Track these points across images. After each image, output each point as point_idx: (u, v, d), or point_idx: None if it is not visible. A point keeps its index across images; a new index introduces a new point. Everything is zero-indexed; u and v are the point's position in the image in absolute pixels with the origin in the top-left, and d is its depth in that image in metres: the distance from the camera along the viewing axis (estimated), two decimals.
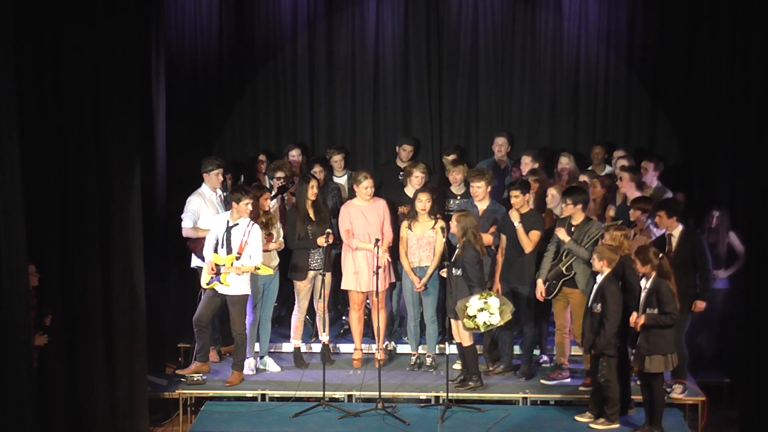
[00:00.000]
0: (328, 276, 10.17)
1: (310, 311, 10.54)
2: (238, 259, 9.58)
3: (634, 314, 8.69)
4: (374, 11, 12.01)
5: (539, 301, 9.84)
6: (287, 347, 10.61)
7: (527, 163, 10.96)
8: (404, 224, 10.15)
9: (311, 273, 10.22)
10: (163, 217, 10.48)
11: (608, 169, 11.33)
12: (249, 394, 9.73)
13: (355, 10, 12.02)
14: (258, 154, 11.65)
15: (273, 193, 10.43)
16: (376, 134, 12.27)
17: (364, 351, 10.47)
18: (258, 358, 10.22)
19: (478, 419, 9.23)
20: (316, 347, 10.58)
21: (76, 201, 8.49)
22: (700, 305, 9.39)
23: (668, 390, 9.38)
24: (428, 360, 10.26)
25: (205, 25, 11.93)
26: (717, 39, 10.93)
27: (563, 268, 9.58)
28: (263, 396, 9.70)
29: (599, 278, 8.91)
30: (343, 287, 10.35)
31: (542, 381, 9.88)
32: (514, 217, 9.77)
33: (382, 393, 9.45)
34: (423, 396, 9.67)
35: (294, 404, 9.51)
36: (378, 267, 9.65)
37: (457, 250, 9.62)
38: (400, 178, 11.05)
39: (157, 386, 9.89)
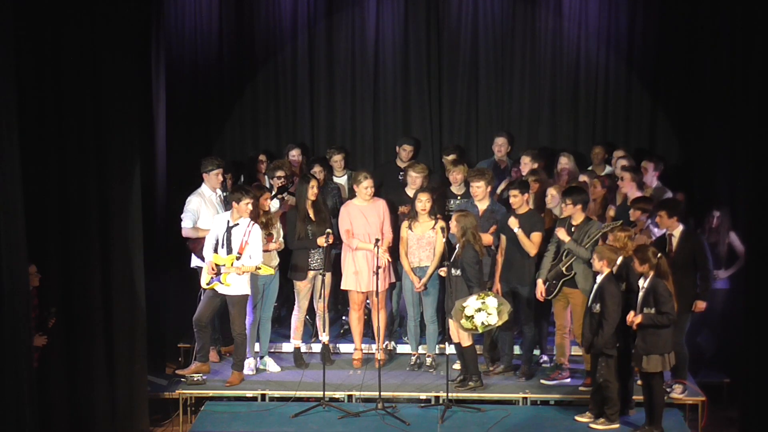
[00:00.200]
0: (328, 276, 10.17)
1: (310, 311, 10.54)
2: (238, 259, 9.58)
3: (631, 313, 8.69)
4: (374, 11, 12.01)
5: (539, 301, 9.83)
6: (287, 347, 10.61)
7: (527, 163, 10.96)
8: (404, 224, 10.15)
9: (311, 273, 10.22)
10: (163, 217, 10.48)
11: (608, 169, 11.33)
12: (249, 394, 9.73)
13: (355, 10, 12.02)
14: (258, 154, 11.65)
15: (273, 193, 10.43)
16: (376, 134, 12.27)
17: (364, 351, 10.47)
18: (258, 358, 10.22)
19: (478, 419, 9.23)
20: (316, 347, 10.58)
21: (76, 201, 8.49)
22: (701, 305, 9.39)
23: (668, 390, 9.38)
24: (428, 360, 10.26)
25: (205, 25, 11.93)
26: (717, 39, 10.93)
27: (563, 268, 9.58)
28: (263, 396, 9.70)
29: (599, 278, 8.91)
30: (343, 287, 10.34)
31: (542, 381, 9.88)
32: (513, 223, 9.75)
33: (382, 393, 9.45)
34: (423, 396, 9.67)
35: (294, 404, 9.51)
36: (378, 267, 9.65)
37: (456, 250, 9.62)
38: (400, 178, 11.05)
39: (157, 386, 9.89)
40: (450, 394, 9.46)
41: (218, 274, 9.62)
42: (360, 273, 10.14)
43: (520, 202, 9.84)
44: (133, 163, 9.01)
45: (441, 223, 9.91)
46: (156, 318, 10.03)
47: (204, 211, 10.11)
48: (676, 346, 9.11)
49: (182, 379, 9.82)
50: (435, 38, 12.03)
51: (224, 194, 10.38)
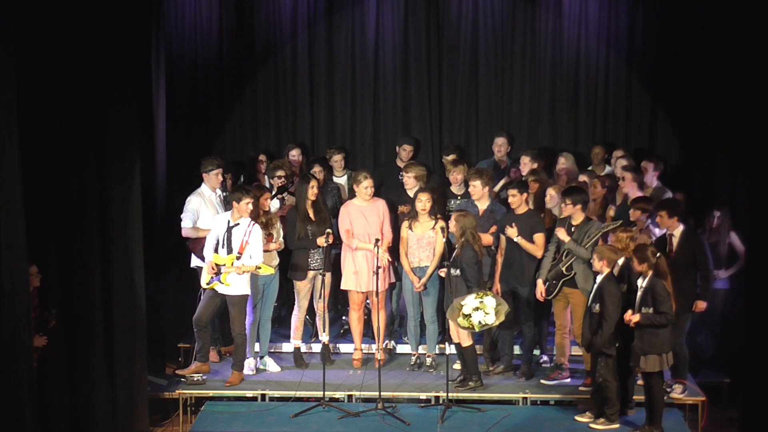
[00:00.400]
0: (328, 276, 10.17)
1: (310, 311, 10.54)
2: (238, 258, 9.58)
3: (629, 312, 8.69)
4: (374, 11, 12.01)
5: (539, 301, 9.83)
6: (287, 347, 10.61)
7: (526, 163, 10.95)
8: (404, 224, 10.15)
9: (311, 273, 10.22)
10: (163, 217, 10.48)
11: (608, 169, 11.32)
12: (249, 394, 9.73)
13: (355, 10, 12.02)
14: (258, 154, 11.66)
15: (273, 192, 10.43)
16: (376, 134, 12.27)
17: (364, 351, 10.47)
18: (258, 358, 10.22)
19: (478, 419, 9.23)
20: (316, 347, 10.57)
21: (76, 201, 8.49)
22: (701, 305, 9.39)
23: (668, 390, 9.38)
24: (428, 360, 10.26)
25: (205, 25, 11.94)
26: (717, 39, 10.92)
27: (563, 268, 9.58)
28: (263, 396, 9.70)
29: (599, 278, 8.91)
30: (342, 287, 10.34)
31: (542, 381, 9.88)
32: (511, 233, 9.73)
33: (382, 393, 9.45)
34: (423, 396, 9.67)
35: (294, 404, 9.51)
36: (378, 267, 9.65)
37: (455, 250, 9.62)
38: (400, 178, 11.05)
39: (157, 386, 9.89)
40: (450, 394, 9.46)
41: (218, 273, 9.62)
42: (360, 273, 10.14)
43: (519, 201, 9.84)
44: (133, 163, 9.01)
45: (441, 223, 9.91)
46: (156, 318, 10.04)
47: (204, 211, 10.11)
48: (675, 346, 9.13)
49: (182, 379, 9.82)
50: (435, 38, 12.03)
51: (224, 194, 10.38)
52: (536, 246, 9.78)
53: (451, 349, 9.78)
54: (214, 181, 10.25)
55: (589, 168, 11.37)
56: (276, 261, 10.12)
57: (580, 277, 9.53)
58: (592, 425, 9.05)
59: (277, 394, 9.70)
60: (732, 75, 10.43)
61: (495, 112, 12.16)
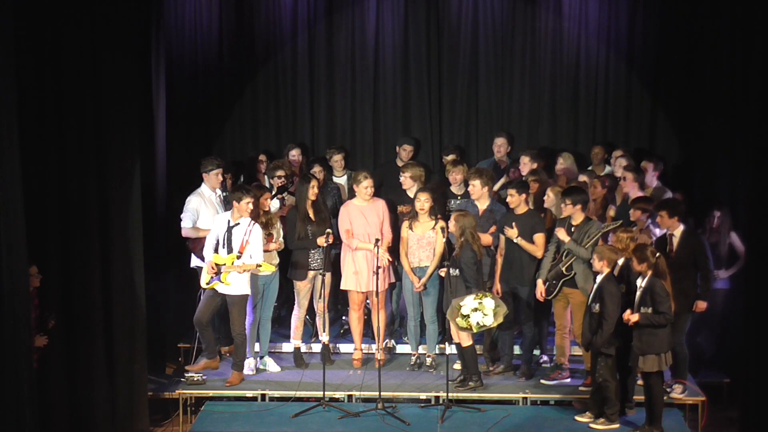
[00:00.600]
0: (328, 276, 10.17)
1: (310, 311, 10.54)
2: (238, 258, 9.58)
3: (628, 311, 8.69)
4: (374, 11, 12.01)
5: (539, 302, 9.83)
6: (287, 347, 10.61)
7: (526, 163, 10.95)
8: (405, 224, 10.15)
9: (311, 273, 10.22)
10: (163, 217, 10.49)
11: (608, 169, 11.32)
12: (249, 394, 9.73)
13: (355, 10, 12.02)
14: (258, 154, 11.66)
15: (273, 192, 10.43)
16: (376, 134, 12.27)
17: (364, 351, 10.47)
18: (258, 358, 10.22)
19: (478, 419, 9.23)
20: (316, 347, 10.57)
21: (76, 201, 8.49)
22: (702, 305, 9.39)
23: (668, 390, 9.39)
24: (428, 360, 10.26)
25: (205, 25, 11.93)
26: (717, 39, 10.93)
27: (563, 268, 9.58)
28: (263, 396, 9.70)
29: (599, 278, 8.91)
30: (342, 287, 10.34)
31: (542, 381, 9.87)
32: (511, 234, 9.74)
33: (382, 393, 9.45)
34: (423, 396, 9.67)
35: (294, 404, 9.51)
36: (378, 267, 9.65)
37: (455, 250, 9.62)
38: (400, 178, 11.04)
39: (157, 386, 9.89)
40: (450, 394, 9.46)
41: (218, 273, 9.62)
42: (360, 273, 10.14)
43: (518, 201, 9.83)
44: (133, 163, 9.01)
45: (441, 223, 9.91)
46: (156, 318, 10.04)
47: (203, 211, 10.12)
48: (676, 346, 9.13)
49: (182, 379, 9.82)
50: (435, 38, 12.03)
51: (224, 194, 10.38)
52: (537, 246, 9.78)
53: (451, 349, 9.79)
54: (214, 181, 10.25)
55: (589, 168, 11.37)
56: (276, 261, 10.12)
57: (580, 277, 9.52)
58: (592, 425, 9.05)
59: (277, 394, 9.70)
60: (732, 75, 10.43)
61: (495, 112, 12.16)
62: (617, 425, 9.00)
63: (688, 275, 9.31)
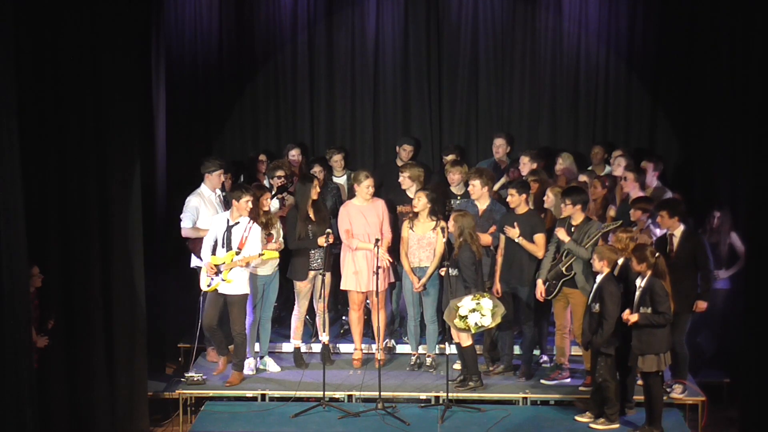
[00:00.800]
0: (328, 276, 10.17)
1: (310, 311, 10.54)
2: (238, 254, 9.58)
3: (627, 311, 8.69)
4: (374, 11, 12.01)
5: (539, 302, 9.83)
6: (287, 347, 10.61)
7: (525, 163, 10.95)
8: (405, 224, 10.15)
9: (311, 273, 10.22)
10: (163, 217, 10.49)
11: (608, 169, 11.32)
12: (249, 394, 9.73)
13: (355, 10, 12.02)
14: (258, 154, 11.66)
15: (273, 192, 10.43)
16: (376, 134, 12.27)
17: (364, 351, 10.47)
18: (258, 358, 10.22)
19: (478, 419, 9.23)
20: (316, 347, 10.57)
21: (76, 201, 8.49)
22: (702, 305, 9.39)
23: (668, 390, 9.39)
24: (428, 360, 10.26)
25: (205, 25, 11.93)
26: (717, 39, 10.92)
27: (563, 268, 9.58)
28: (263, 396, 9.70)
29: (599, 278, 8.91)
30: (342, 287, 10.34)
31: (542, 381, 9.87)
32: (512, 234, 9.73)
33: (382, 393, 9.45)
34: (423, 396, 9.67)
35: (294, 404, 9.51)
36: (378, 267, 9.65)
37: (454, 251, 9.62)
38: (400, 178, 11.04)
39: (157, 386, 9.89)
40: (450, 394, 9.46)
41: (218, 273, 9.62)
42: (360, 273, 10.14)
43: (518, 201, 9.83)
44: (133, 163, 9.01)
45: (441, 224, 9.91)
46: (156, 318, 10.04)
47: (203, 211, 10.11)
48: (676, 346, 9.13)
49: (182, 379, 9.82)
50: (435, 38, 12.03)
51: (223, 194, 10.38)
52: (537, 246, 9.78)
53: (451, 349, 9.79)
54: (216, 182, 10.25)
55: (589, 168, 11.37)
56: (276, 261, 10.11)
57: (580, 277, 9.52)
58: (592, 425, 9.05)
59: (277, 394, 9.69)
60: (732, 75, 10.43)
61: (495, 112, 12.15)
62: (617, 425, 9.00)
63: (688, 275, 9.31)
